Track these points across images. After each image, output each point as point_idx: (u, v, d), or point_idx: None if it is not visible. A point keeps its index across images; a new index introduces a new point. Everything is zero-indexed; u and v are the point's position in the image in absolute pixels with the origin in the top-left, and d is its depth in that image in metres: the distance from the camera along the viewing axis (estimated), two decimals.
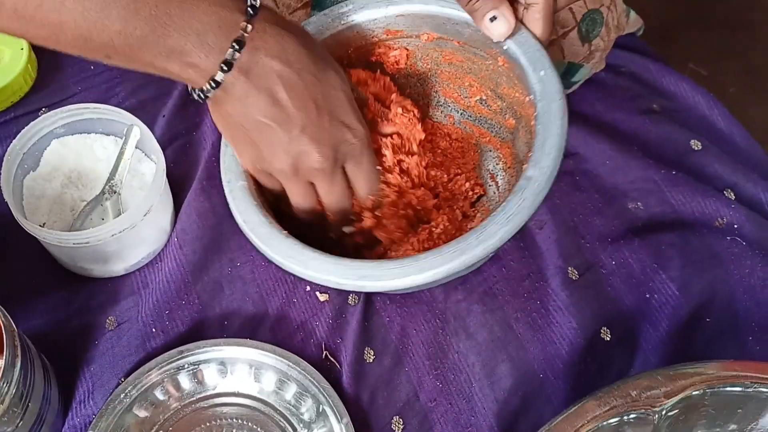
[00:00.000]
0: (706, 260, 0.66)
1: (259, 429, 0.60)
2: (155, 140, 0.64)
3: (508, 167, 0.67)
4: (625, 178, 0.71)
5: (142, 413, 0.59)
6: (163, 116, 0.74)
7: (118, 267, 0.65)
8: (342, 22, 0.63)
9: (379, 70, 0.65)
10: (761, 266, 0.66)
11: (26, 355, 0.52)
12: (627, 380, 0.48)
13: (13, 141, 0.63)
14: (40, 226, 0.62)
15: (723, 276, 0.66)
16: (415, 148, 0.61)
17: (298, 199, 0.57)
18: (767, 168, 0.75)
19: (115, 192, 0.64)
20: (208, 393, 0.61)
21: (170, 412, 0.60)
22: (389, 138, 0.60)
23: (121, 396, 0.59)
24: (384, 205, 0.60)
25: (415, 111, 0.62)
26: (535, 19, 0.57)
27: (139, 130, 0.64)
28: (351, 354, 0.62)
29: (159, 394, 0.60)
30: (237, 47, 0.48)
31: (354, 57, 0.65)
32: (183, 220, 0.67)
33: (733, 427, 0.51)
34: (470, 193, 0.68)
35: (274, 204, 0.60)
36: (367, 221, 0.60)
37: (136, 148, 0.65)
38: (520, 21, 0.58)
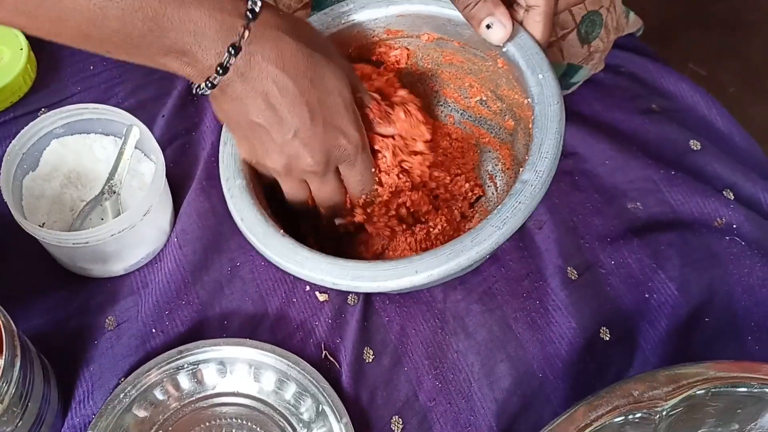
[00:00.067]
0: (705, 260, 0.67)
1: (258, 429, 0.60)
2: (155, 140, 0.64)
3: (507, 168, 0.67)
4: (624, 177, 0.71)
5: (142, 413, 0.59)
6: (163, 116, 0.74)
7: (118, 267, 0.65)
8: (342, 22, 0.63)
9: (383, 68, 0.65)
10: (760, 266, 0.66)
11: (26, 355, 0.52)
12: (628, 380, 0.48)
13: (13, 141, 0.63)
14: (40, 226, 0.62)
15: (722, 276, 0.66)
16: (421, 147, 0.61)
17: (291, 193, 0.59)
18: (766, 168, 0.75)
19: (114, 192, 0.64)
20: (208, 393, 0.61)
21: (170, 412, 0.60)
22: (390, 139, 0.60)
23: (121, 396, 0.59)
24: (375, 203, 0.60)
25: (419, 114, 0.61)
26: (536, 22, 0.57)
27: (138, 130, 0.64)
28: (350, 354, 0.62)
29: (158, 394, 0.60)
30: (233, 52, 0.49)
31: (355, 56, 0.65)
32: (183, 220, 0.67)
33: (734, 427, 0.51)
34: (469, 194, 0.68)
35: (269, 190, 0.61)
36: (358, 217, 0.61)
37: (136, 148, 0.65)
38: (519, 23, 0.58)
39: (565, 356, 0.62)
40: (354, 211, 0.61)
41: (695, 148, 0.74)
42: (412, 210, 0.63)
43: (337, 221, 0.62)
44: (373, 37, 0.64)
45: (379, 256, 0.64)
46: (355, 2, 0.63)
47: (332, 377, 0.61)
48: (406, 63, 0.67)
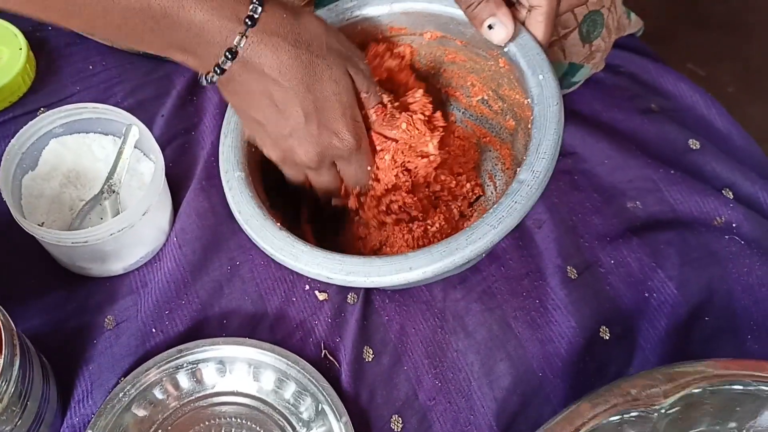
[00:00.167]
0: (704, 259, 0.67)
1: (258, 428, 0.60)
2: (154, 140, 0.64)
3: (507, 168, 0.67)
4: (623, 177, 0.71)
5: (141, 412, 0.59)
6: (162, 116, 0.74)
7: (117, 266, 0.65)
8: (346, 18, 0.63)
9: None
10: (759, 265, 0.66)
11: (25, 354, 0.52)
12: (626, 379, 0.48)
13: (12, 141, 0.63)
14: (39, 225, 0.62)
15: (721, 275, 0.66)
16: (430, 148, 0.61)
17: (289, 176, 0.61)
18: (765, 167, 0.75)
19: (113, 191, 0.64)
20: (207, 392, 0.61)
21: (169, 412, 0.60)
22: (392, 141, 0.60)
23: (120, 395, 0.59)
24: (368, 195, 0.61)
25: (422, 127, 0.60)
26: (537, 22, 0.57)
27: (137, 129, 0.64)
28: (350, 353, 0.62)
29: (158, 393, 0.60)
30: (229, 56, 0.50)
31: None
32: (182, 220, 0.67)
33: (732, 425, 0.51)
34: (470, 193, 0.68)
35: (269, 183, 0.62)
36: (352, 203, 0.62)
37: (135, 147, 0.65)
38: (521, 24, 0.58)
39: (565, 355, 0.62)
40: (349, 196, 0.62)
41: (694, 148, 0.74)
42: (403, 210, 0.63)
43: (334, 201, 0.63)
44: (377, 34, 0.64)
45: (376, 252, 0.64)
46: None
47: (332, 376, 0.61)
48: (410, 61, 0.67)
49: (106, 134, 0.68)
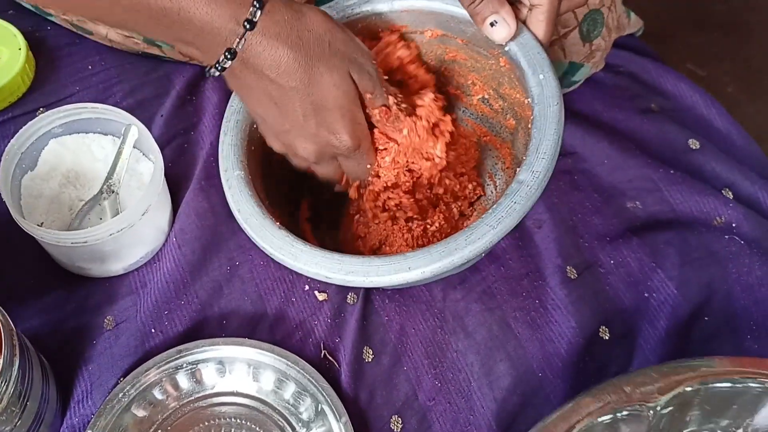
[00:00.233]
0: (704, 259, 0.67)
1: (257, 428, 0.60)
2: (153, 140, 0.64)
3: (507, 168, 0.67)
4: (623, 177, 0.71)
5: (141, 413, 0.59)
6: (161, 116, 0.74)
7: (117, 266, 0.65)
8: (347, 15, 0.63)
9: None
10: (759, 265, 0.66)
11: (24, 354, 0.52)
12: (621, 377, 0.48)
13: (11, 141, 0.63)
14: (38, 225, 0.62)
15: (721, 275, 0.66)
16: (437, 151, 0.61)
17: (293, 163, 0.62)
18: (765, 167, 0.75)
19: (113, 191, 0.64)
20: (207, 392, 0.61)
21: (169, 412, 0.60)
22: (395, 142, 0.60)
23: (120, 395, 0.58)
24: (367, 189, 0.61)
25: (424, 134, 0.60)
26: (539, 21, 0.57)
27: (137, 129, 0.64)
28: (350, 353, 0.62)
29: (157, 394, 0.60)
30: (229, 56, 0.51)
31: None
32: (181, 220, 0.67)
33: (726, 422, 0.51)
34: (471, 194, 0.68)
35: (268, 183, 0.62)
36: (352, 193, 0.62)
37: (134, 147, 0.65)
38: (522, 22, 0.58)
39: (565, 355, 0.62)
40: (350, 185, 0.62)
41: (694, 148, 0.74)
42: (399, 208, 0.63)
43: (336, 188, 0.64)
44: (377, 32, 0.64)
45: (375, 251, 0.64)
46: None
47: (331, 377, 0.61)
48: (418, 52, 0.66)
49: (106, 134, 0.67)
